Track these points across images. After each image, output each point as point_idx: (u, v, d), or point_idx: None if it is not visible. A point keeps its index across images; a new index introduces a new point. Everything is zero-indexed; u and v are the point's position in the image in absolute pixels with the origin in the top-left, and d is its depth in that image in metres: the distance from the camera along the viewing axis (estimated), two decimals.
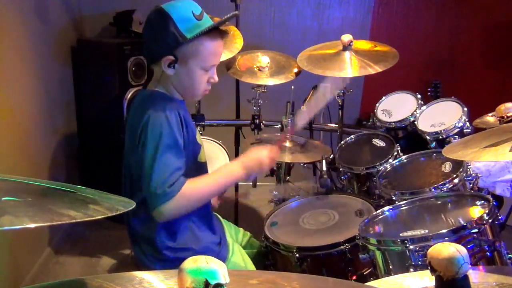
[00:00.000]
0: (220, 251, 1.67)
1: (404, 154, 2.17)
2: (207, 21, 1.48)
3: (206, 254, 0.69)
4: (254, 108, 2.66)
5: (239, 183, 2.89)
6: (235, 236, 1.93)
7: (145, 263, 1.62)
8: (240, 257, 1.75)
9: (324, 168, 2.15)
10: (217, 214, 1.89)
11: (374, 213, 1.72)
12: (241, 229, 2.01)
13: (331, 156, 2.36)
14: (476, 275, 1.00)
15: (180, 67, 1.50)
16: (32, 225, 0.62)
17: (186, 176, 1.48)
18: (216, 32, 1.51)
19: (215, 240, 1.69)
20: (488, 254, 1.40)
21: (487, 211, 1.44)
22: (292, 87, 2.43)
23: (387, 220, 1.69)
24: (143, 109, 1.50)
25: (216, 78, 1.58)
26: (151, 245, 1.60)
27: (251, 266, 1.77)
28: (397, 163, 2.14)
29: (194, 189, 1.48)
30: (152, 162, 1.44)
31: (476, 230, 1.40)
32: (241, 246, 1.89)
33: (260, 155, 1.61)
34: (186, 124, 1.54)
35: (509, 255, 1.45)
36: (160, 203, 1.42)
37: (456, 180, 1.83)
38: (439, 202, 1.68)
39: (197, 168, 1.63)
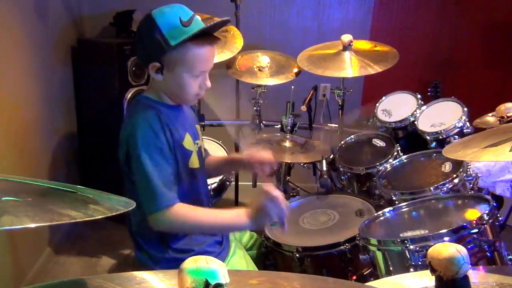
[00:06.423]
0: (220, 251, 1.67)
1: (404, 154, 2.17)
2: (196, 27, 1.42)
3: (206, 253, 0.69)
4: (254, 108, 2.66)
5: (239, 183, 2.90)
6: (239, 237, 1.92)
7: (147, 264, 1.61)
8: (242, 258, 1.74)
9: (324, 168, 2.15)
10: None
11: (375, 215, 1.72)
12: (248, 230, 2.00)
13: (331, 156, 2.36)
14: (476, 275, 1.00)
15: (168, 73, 1.48)
16: (32, 225, 0.62)
17: (178, 183, 1.51)
18: (203, 38, 1.46)
19: (216, 239, 1.68)
20: (488, 254, 1.40)
21: (487, 211, 1.44)
22: (292, 87, 2.43)
23: (388, 221, 1.69)
24: (129, 120, 1.53)
25: (209, 84, 1.53)
26: (154, 246, 1.59)
27: (252, 267, 1.77)
28: (397, 163, 2.14)
29: (189, 210, 1.48)
30: (147, 168, 1.44)
31: (476, 230, 1.40)
32: (248, 247, 1.89)
33: (264, 204, 1.49)
34: (169, 128, 1.51)
35: (509, 256, 1.45)
36: (159, 208, 1.44)
37: (456, 180, 1.83)
38: (439, 202, 1.68)
39: (188, 174, 1.59)
